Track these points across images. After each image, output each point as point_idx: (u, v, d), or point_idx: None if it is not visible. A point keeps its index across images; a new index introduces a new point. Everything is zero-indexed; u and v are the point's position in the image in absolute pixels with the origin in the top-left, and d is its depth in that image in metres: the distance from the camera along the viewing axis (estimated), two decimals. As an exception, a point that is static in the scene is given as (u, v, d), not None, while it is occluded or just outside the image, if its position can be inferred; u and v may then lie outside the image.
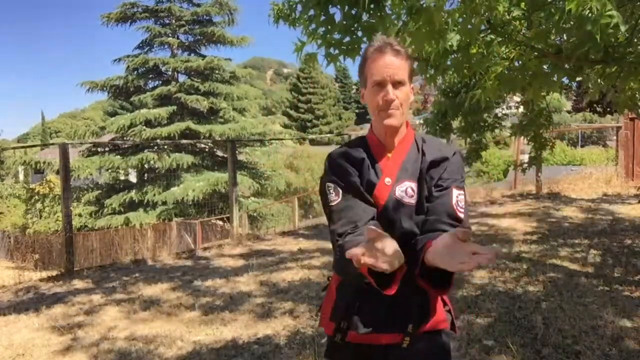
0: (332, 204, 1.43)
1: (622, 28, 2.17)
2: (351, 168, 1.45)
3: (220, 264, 5.71)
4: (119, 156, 16.48)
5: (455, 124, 7.76)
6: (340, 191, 1.43)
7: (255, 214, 16.92)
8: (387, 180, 1.44)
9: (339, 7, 2.82)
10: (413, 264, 1.26)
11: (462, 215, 1.41)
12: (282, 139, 19.71)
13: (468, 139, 7.88)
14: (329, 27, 2.84)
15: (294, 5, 2.95)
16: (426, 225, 1.40)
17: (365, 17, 2.87)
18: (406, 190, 1.43)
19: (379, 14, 2.81)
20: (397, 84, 1.40)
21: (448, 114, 7.28)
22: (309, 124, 50.01)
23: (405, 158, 1.47)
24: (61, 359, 3.30)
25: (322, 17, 2.79)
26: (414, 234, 1.41)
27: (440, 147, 1.50)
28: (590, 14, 2.22)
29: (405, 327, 1.44)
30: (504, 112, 8.31)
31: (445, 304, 1.54)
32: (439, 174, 1.44)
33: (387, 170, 1.45)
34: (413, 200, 1.43)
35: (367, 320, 1.46)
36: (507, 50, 3.70)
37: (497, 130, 7.90)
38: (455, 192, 1.43)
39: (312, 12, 2.81)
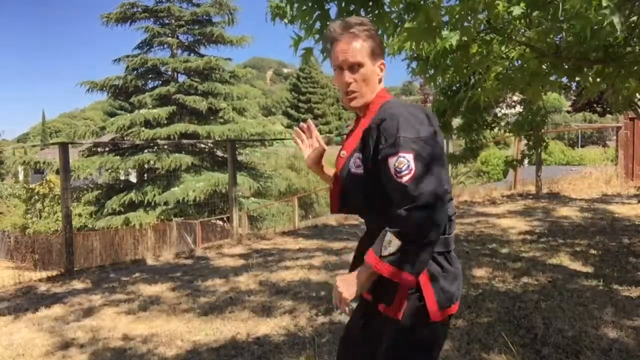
0: None
1: (618, 27, 2.16)
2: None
3: (220, 263, 5.71)
4: (118, 156, 16.48)
5: (454, 122, 7.74)
6: None
7: (255, 214, 16.92)
8: (343, 153, 1.57)
9: (335, 2, 2.81)
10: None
11: (405, 179, 1.29)
12: (282, 139, 19.67)
13: (467, 139, 7.86)
14: (324, 22, 2.83)
15: (292, 4, 2.94)
16: (387, 210, 1.34)
17: (363, 13, 2.86)
18: (355, 161, 1.50)
19: (377, 11, 2.81)
20: (353, 67, 1.50)
21: (447, 113, 7.26)
22: (309, 124, 49.99)
23: (366, 130, 1.50)
24: (61, 359, 3.30)
25: (317, 12, 2.79)
26: (367, 205, 1.51)
27: (378, 114, 1.45)
28: (586, 11, 2.22)
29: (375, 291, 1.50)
30: (503, 111, 8.28)
31: (416, 288, 1.43)
32: (373, 146, 1.41)
33: (346, 143, 1.58)
34: (360, 171, 1.48)
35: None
36: (506, 50, 3.70)
37: (496, 130, 7.88)
38: (390, 161, 1.32)
39: (305, 7, 2.80)
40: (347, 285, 1.42)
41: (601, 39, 2.47)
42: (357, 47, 1.48)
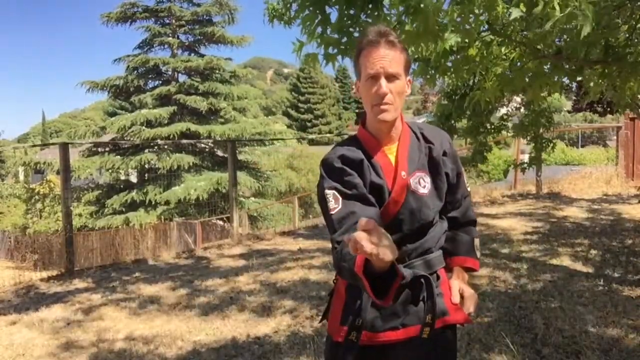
0: (333, 212, 1.36)
1: (586, 31, 2.15)
2: (350, 169, 1.40)
3: (220, 263, 5.72)
4: (119, 156, 16.47)
5: (459, 124, 7.72)
6: (340, 198, 1.36)
7: (255, 214, 16.91)
8: (403, 173, 1.42)
9: (336, 7, 2.82)
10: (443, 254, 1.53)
11: (469, 189, 1.61)
12: (282, 139, 19.68)
13: (469, 140, 7.86)
14: (326, 27, 2.85)
15: (289, 5, 2.95)
16: (450, 211, 1.55)
17: (363, 16, 2.87)
18: (419, 181, 1.44)
19: (376, 13, 2.82)
20: (391, 77, 1.36)
21: (452, 116, 7.25)
22: (308, 124, 49.94)
23: (409, 149, 1.46)
24: (61, 359, 3.31)
25: (318, 17, 2.80)
26: (431, 222, 1.47)
27: (439, 133, 1.55)
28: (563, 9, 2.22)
29: (423, 318, 1.40)
30: (508, 111, 8.24)
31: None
32: (452, 163, 1.52)
33: (399, 164, 1.44)
34: (426, 190, 1.44)
35: (384, 318, 1.42)
36: (507, 51, 3.70)
37: (503, 132, 7.87)
38: (464, 175, 1.58)
39: (307, 12, 2.81)
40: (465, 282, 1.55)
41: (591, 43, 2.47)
42: (396, 57, 1.37)
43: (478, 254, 1.58)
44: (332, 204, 1.36)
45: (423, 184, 1.44)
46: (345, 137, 1.56)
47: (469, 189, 1.60)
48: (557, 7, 2.18)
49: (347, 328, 1.43)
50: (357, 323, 1.41)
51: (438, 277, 1.49)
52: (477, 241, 1.59)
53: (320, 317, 1.61)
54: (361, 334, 1.41)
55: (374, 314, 1.43)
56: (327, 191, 1.39)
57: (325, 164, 1.44)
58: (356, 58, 1.43)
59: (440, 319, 1.43)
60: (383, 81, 1.35)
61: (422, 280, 1.39)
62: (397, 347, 1.44)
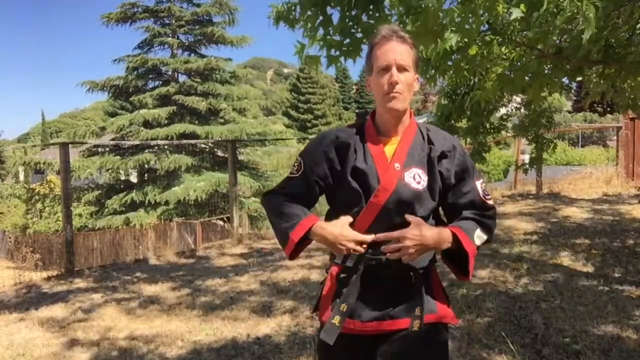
0: (289, 174, 1.57)
1: (590, 31, 2.15)
2: (329, 155, 1.50)
3: (220, 263, 5.72)
4: (119, 156, 16.46)
5: (460, 124, 7.70)
6: (301, 170, 1.53)
7: (255, 214, 16.92)
8: (396, 165, 1.47)
9: (338, 8, 2.83)
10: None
11: (491, 202, 1.55)
12: (283, 139, 19.67)
13: (469, 140, 7.85)
14: (328, 28, 2.86)
15: (293, 7, 2.96)
16: (457, 217, 1.52)
17: (364, 17, 2.87)
18: (414, 176, 1.47)
19: (377, 14, 2.83)
20: (401, 69, 1.43)
21: (452, 116, 7.23)
22: (308, 124, 49.98)
23: (412, 145, 1.50)
24: (61, 359, 3.31)
25: (320, 18, 2.81)
26: (423, 219, 1.46)
27: (445, 137, 1.56)
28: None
29: (412, 312, 1.45)
30: (508, 112, 8.23)
31: (446, 296, 1.57)
32: (453, 165, 1.51)
33: (396, 155, 1.48)
34: (420, 187, 1.47)
35: (371, 308, 1.46)
36: (507, 51, 3.70)
37: (503, 133, 7.86)
38: (478, 184, 1.53)
39: (309, 13, 2.82)
40: (434, 237, 1.43)
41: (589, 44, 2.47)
42: (407, 51, 1.45)
43: (477, 241, 1.49)
44: (294, 168, 1.56)
45: (418, 180, 1.47)
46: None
47: (490, 202, 1.54)
48: (567, 6, 2.18)
49: (331, 311, 1.48)
50: (341, 309, 1.46)
51: (429, 273, 1.52)
52: (480, 232, 1.50)
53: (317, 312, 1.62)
54: (345, 321, 1.45)
55: (360, 303, 1.47)
56: (299, 157, 1.57)
57: (321, 136, 1.57)
58: (368, 54, 1.50)
59: (432, 315, 1.47)
60: (394, 70, 1.43)
61: (411, 273, 1.45)
62: (387, 339, 1.47)
